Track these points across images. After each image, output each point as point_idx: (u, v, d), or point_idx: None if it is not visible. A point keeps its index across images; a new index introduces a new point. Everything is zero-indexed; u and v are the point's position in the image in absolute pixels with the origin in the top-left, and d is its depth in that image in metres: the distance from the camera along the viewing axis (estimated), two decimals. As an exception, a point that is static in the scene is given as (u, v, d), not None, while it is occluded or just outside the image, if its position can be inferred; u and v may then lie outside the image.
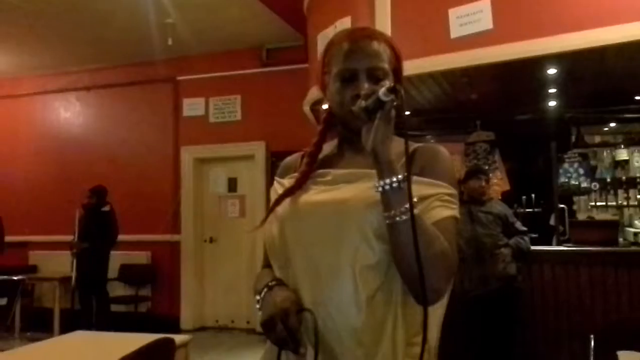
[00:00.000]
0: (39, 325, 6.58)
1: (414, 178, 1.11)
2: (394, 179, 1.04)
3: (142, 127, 7.44)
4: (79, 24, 6.13)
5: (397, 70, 1.25)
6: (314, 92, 5.07)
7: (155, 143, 7.30)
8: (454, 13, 3.98)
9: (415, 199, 1.03)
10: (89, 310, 6.28)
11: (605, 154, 5.99)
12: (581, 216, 5.65)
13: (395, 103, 1.05)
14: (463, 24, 3.92)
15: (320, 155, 1.30)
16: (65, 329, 5.41)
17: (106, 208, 6.34)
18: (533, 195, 5.73)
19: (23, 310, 6.52)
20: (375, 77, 1.19)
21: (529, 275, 4.52)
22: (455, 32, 3.97)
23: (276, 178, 1.36)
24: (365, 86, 1.16)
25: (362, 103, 1.07)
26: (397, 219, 1.04)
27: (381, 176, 1.05)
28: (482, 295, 4.19)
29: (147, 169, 7.21)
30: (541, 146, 5.69)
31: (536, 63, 4.02)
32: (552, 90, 5.03)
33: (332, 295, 1.12)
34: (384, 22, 4.29)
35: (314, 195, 1.21)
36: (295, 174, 1.29)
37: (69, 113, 7.94)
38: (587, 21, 3.57)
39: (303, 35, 5.92)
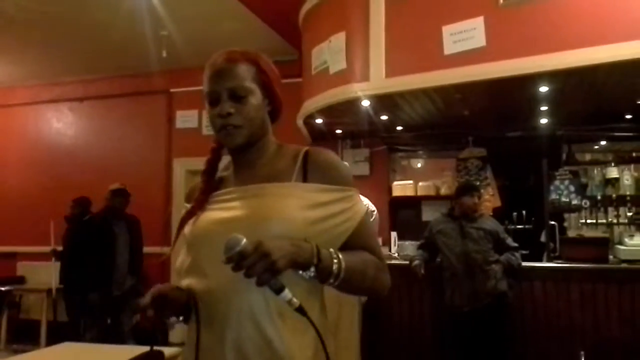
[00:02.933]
0: (25, 337, 6.49)
1: (318, 186, 1.24)
2: (312, 270, 1.15)
3: (135, 138, 7.42)
4: (74, 34, 6.13)
5: (266, 84, 1.32)
6: (307, 106, 5.08)
7: (148, 154, 7.28)
8: (447, 30, 4.02)
9: (335, 263, 1.17)
10: (77, 323, 6.20)
11: (595, 171, 6.01)
12: (571, 233, 5.65)
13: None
14: (456, 41, 3.95)
15: (219, 174, 1.36)
16: (52, 341, 5.35)
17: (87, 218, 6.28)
18: (524, 212, 5.75)
19: (9, 322, 6.44)
20: (236, 96, 1.27)
21: (519, 291, 4.52)
22: (448, 48, 4.00)
23: (185, 204, 1.40)
24: (228, 105, 1.25)
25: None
26: (334, 283, 1.18)
27: (303, 270, 1.15)
28: (472, 311, 4.18)
29: (139, 181, 7.14)
30: (532, 163, 5.72)
31: (528, 80, 4.05)
32: (543, 108, 5.06)
33: (244, 307, 1.17)
34: (378, 38, 4.32)
35: (220, 213, 1.25)
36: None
37: (61, 123, 7.91)
38: (580, 40, 3.61)
39: (297, 50, 5.95)
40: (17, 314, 7.12)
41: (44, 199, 7.43)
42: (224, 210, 1.25)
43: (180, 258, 1.30)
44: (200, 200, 1.29)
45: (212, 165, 1.35)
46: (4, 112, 8.16)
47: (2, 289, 4.56)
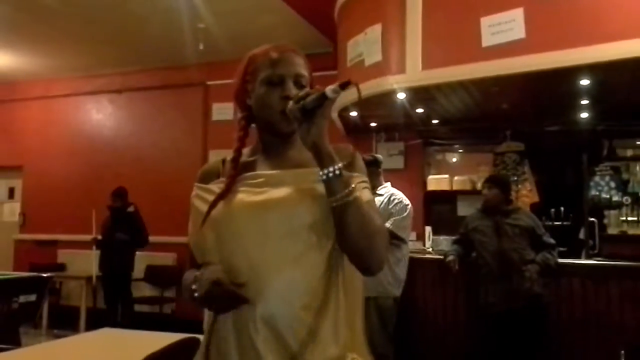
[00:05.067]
0: (65, 322, 6.68)
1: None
2: (336, 167, 1.19)
3: (172, 130, 7.54)
4: (113, 27, 6.25)
5: (310, 82, 1.37)
6: (342, 99, 5.07)
7: (184, 146, 7.38)
8: (485, 22, 3.96)
9: (353, 185, 1.21)
10: (114, 310, 6.36)
11: (638, 167, 5.86)
12: (612, 230, 5.53)
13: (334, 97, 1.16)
14: (495, 33, 3.89)
15: (241, 160, 1.38)
16: (91, 327, 5.48)
17: (131, 209, 6.42)
18: (562, 208, 5.63)
19: (50, 308, 6.63)
20: (299, 84, 1.32)
21: (557, 289, 4.43)
22: (486, 40, 3.95)
23: (197, 184, 1.41)
24: (293, 90, 1.29)
25: (300, 102, 1.19)
26: (343, 201, 1.18)
27: (323, 166, 1.19)
28: (506, 312, 4.07)
29: (175, 172, 7.27)
30: (572, 158, 5.60)
31: (568, 73, 3.96)
32: (584, 102, 4.94)
33: (279, 285, 1.21)
34: (415, 30, 4.28)
35: (251, 196, 1.28)
36: (222, 179, 1.35)
37: (100, 115, 8.09)
38: (622, 32, 3.52)
39: (333, 42, 5.94)
40: (57, 300, 7.34)
41: (83, 188, 7.62)
42: (255, 194, 1.29)
43: (201, 238, 1.31)
44: (229, 184, 1.31)
45: (240, 152, 1.38)
46: (46, 103, 8.39)
47: (44, 275, 4.68)
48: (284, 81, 1.31)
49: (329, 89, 1.16)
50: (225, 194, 1.30)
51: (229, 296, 1.18)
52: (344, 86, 1.15)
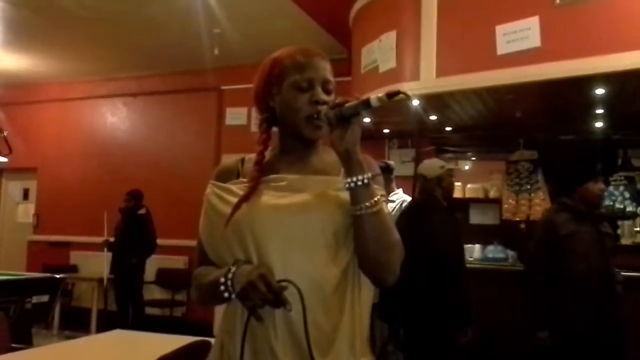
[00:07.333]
0: (76, 324, 6.73)
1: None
2: (364, 177, 1.18)
3: (186, 134, 7.58)
4: (129, 32, 6.31)
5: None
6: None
7: (198, 150, 7.42)
8: (501, 30, 3.95)
9: (378, 197, 1.19)
10: (125, 312, 6.40)
11: (653, 178, 5.82)
12: (625, 241, 5.47)
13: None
14: (510, 41, 3.88)
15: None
16: (102, 329, 5.51)
17: (142, 211, 6.45)
18: (575, 218, 5.59)
19: (62, 309, 6.68)
20: (326, 90, 1.30)
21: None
22: (501, 48, 3.93)
23: (214, 182, 1.38)
24: (322, 96, 1.28)
25: (336, 109, 1.18)
26: (367, 211, 1.18)
27: (351, 174, 1.18)
28: (592, 343, 3.12)
29: (188, 175, 7.30)
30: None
31: (584, 82, 3.94)
32: (599, 111, 4.91)
33: (300, 288, 1.17)
34: (429, 37, 4.28)
35: (275, 199, 1.26)
36: (244, 180, 1.34)
37: (115, 118, 8.15)
38: (637, 41, 3.50)
39: (347, 49, 5.95)
40: (69, 301, 7.39)
41: (97, 190, 7.67)
42: (279, 197, 1.27)
43: (221, 238, 1.28)
44: (253, 187, 1.29)
45: (263, 155, 1.36)
46: (62, 106, 8.47)
47: (57, 276, 4.72)
48: (313, 86, 1.29)
49: (373, 99, 1.13)
50: (249, 196, 1.27)
51: (270, 292, 1.12)
52: (391, 96, 1.12)
